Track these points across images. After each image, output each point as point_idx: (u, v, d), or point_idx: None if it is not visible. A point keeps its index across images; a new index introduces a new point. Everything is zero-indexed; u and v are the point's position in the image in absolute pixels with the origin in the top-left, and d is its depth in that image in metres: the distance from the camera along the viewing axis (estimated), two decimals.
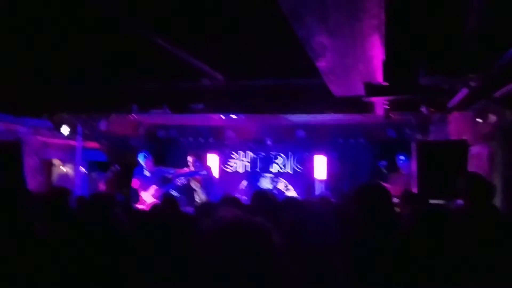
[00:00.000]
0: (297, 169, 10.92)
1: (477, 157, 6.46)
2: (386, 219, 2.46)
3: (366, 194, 2.54)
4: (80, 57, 5.48)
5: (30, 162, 8.30)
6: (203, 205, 4.81)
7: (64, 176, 9.40)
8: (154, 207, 4.55)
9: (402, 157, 8.55)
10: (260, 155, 11.13)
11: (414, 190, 7.83)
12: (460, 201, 5.31)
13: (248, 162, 11.20)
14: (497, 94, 4.98)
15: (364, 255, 2.25)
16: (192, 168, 8.59)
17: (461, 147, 6.30)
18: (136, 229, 2.77)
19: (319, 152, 10.10)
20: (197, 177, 8.62)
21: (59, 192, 4.77)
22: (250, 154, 11.17)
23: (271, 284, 1.65)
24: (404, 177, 8.35)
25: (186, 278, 1.83)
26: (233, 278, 1.58)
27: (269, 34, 4.46)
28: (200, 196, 8.58)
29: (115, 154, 9.87)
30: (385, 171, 8.57)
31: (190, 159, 8.65)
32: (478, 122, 5.78)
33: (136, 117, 8.93)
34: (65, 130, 8.29)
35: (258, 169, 11.11)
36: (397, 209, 4.43)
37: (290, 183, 10.82)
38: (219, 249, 1.65)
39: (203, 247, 1.75)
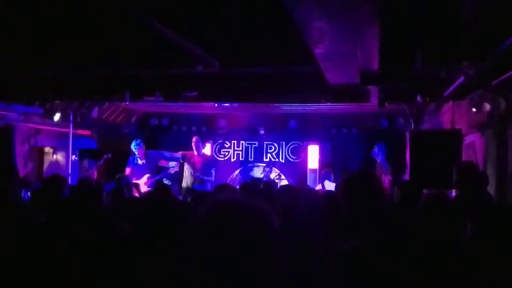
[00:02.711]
0: (290, 159, 10.92)
1: (471, 147, 6.49)
2: (376, 207, 2.44)
3: (356, 182, 2.52)
4: (72, 43, 5.39)
5: (21, 149, 8.22)
6: (197, 192, 4.80)
7: (55, 163, 9.31)
8: (148, 194, 4.53)
9: (377, 147, 8.57)
10: (253, 144, 11.11)
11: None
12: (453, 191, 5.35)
13: (241, 151, 11.18)
14: (492, 83, 4.98)
15: (355, 245, 2.23)
16: (194, 148, 8.51)
17: (455, 136, 6.32)
18: (129, 217, 2.75)
19: (312, 141, 10.10)
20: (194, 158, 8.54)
21: (54, 180, 4.73)
22: (243, 143, 11.14)
23: (268, 267, 1.63)
24: (377, 165, 8.37)
25: (184, 261, 1.80)
26: (232, 259, 1.56)
27: (264, 21, 4.41)
28: (188, 181, 8.50)
29: (106, 142, 9.81)
30: (384, 159, 8.58)
31: (194, 139, 8.59)
32: (472, 111, 5.79)
33: (128, 104, 8.87)
34: (56, 117, 8.21)
35: (251, 159, 11.10)
36: None
37: (282, 173, 10.83)
38: (218, 231, 1.62)
39: (202, 230, 1.71)
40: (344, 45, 3.88)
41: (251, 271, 1.53)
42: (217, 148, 11.11)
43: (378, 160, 8.52)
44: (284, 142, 10.94)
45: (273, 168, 10.75)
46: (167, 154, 8.93)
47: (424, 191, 5.21)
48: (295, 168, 10.69)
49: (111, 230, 2.60)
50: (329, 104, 7.53)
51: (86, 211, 2.60)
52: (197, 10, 4.31)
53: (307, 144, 10.39)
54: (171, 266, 1.97)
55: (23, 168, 8.24)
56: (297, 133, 10.65)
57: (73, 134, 8.90)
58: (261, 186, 5.13)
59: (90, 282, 2.10)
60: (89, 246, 2.32)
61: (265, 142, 11.00)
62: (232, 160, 11.18)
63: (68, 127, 8.72)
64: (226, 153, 11.20)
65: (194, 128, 10.67)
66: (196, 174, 8.37)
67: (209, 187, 8.18)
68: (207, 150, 9.96)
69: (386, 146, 8.58)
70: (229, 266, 1.57)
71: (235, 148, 11.19)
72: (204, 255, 1.64)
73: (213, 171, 8.56)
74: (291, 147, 10.92)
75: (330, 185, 8.61)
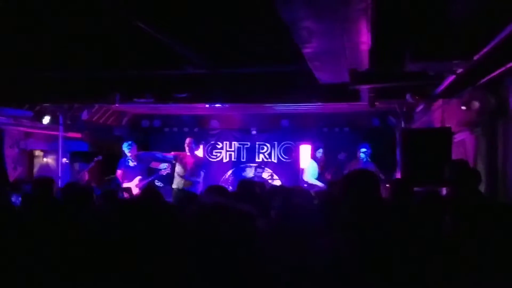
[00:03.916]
0: (282, 159, 10.91)
1: (461, 144, 6.51)
2: (373, 203, 2.45)
3: (355, 179, 2.52)
4: (62, 46, 5.36)
5: (10, 153, 8.15)
6: (186, 193, 4.78)
7: (46, 166, 9.25)
8: (136, 196, 4.51)
9: (363, 149, 8.62)
10: (245, 145, 11.09)
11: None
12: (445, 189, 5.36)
13: (233, 151, 11.17)
14: (481, 81, 5.00)
15: (352, 240, 2.23)
16: (187, 150, 8.46)
17: (445, 134, 6.35)
18: (117, 219, 2.72)
19: (304, 141, 10.10)
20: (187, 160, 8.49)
21: (43, 182, 4.71)
22: (235, 143, 11.13)
23: (253, 268, 1.62)
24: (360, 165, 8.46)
25: (169, 263, 1.79)
26: (216, 261, 1.55)
27: (254, 21, 4.40)
28: (178, 182, 8.43)
29: (98, 144, 9.75)
30: (369, 159, 8.63)
31: (187, 141, 8.53)
32: (462, 109, 5.81)
33: (119, 106, 8.82)
34: (46, 120, 8.16)
35: (243, 159, 11.08)
36: None
37: (275, 173, 10.83)
38: (202, 234, 1.62)
39: (187, 233, 1.71)
40: (333, 45, 3.88)
41: (236, 272, 1.53)
42: (209, 149, 11.09)
43: (363, 161, 8.59)
44: (276, 142, 10.93)
45: (266, 168, 10.74)
46: (159, 155, 8.87)
47: (416, 189, 5.24)
48: (288, 168, 10.68)
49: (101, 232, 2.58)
50: (320, 103, 7.53)
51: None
52: (186, 11, 4.30)
53: (299, 144, 10.39)
54: (156, 269, 1.96)
55: (13, 172, 8.18)
56: (289, 133, 10.66)
57: (64, 137, 8.84)
58: (256, 189, 5.08)
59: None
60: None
61: (257, 143, 10.99)
62: (225, 160, 11.15)
63: (58, 130, 8.66)
64: (218, 154, 11.17)
65: (186, 129, 10.63)
66: (185, 175, 8.32)
67: (197, 188, 8.14)
68: (200, 152, 9.92)
69: (370, 146, 8.65)
70: (213, 269, 1.57)
71: (227, 149, 11.16)
72: (189, 257, 1.63)
73: (202, 173, 8.50)
74: (283, 147, 10.92)
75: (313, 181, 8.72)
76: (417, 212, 2.92)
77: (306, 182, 8.88)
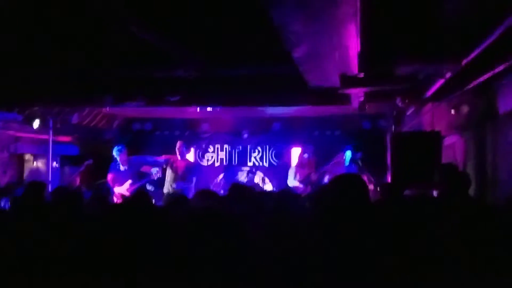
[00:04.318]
0: (274, 162, 10.91)
1: (451, 148, 6.56)
2: (361, 207, 2.45)
3: (342, 183, 2.53)
4: (52, 48, 5.33)
5: (0, 157, 8.10)
6: (175, 197, 4.76)
7: (36, 170, 9.19)
8: (125, 201, 4.49)
9: (348, 152, 8.68)
10: (237, 148, 11.08)
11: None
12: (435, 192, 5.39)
13: (224, 155, 11.15)
14: (470, 84, 5.04)
15: (340, 243, 2.23)
16: (178, 153, 8.42)
17: (435, 138, 6.40)
18: (106, 223, 2.71)
19: (296, 144, 10.12)
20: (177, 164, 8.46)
21: (35, 186, 4.69)
22: (226, 147, 11.12)
23: (244, 271, 1.63)
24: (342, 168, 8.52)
25: (158, 267, 1.78)
26: (206, 265, 1.55)
27: (245, 24, 4.41)
28: (169, 187, 8.41)
29: (88, 148, 9.71)
30: (360, 163, 8.65)
31: (178, 144, 8.48)
32: (451, 113, 5.86)
33: (109, 109, 8.79)
34: (36, 124, 8.11)
35: (235, 162, 11.07)
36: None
37: (267, 176, 10.82)
38: (192, 238, 1.62)
39: (176, 237, 1.71)
40: (323, 48, 3.89)
41: (225, 276, 1.53)
42: (200, 153, 11.07)
43: (345, 165, 8.65)
44: (267, 146, 10.94)
45: (257, 171, 10.74)
46: (150, 159, 8.82)
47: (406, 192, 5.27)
48: (279, 171, 10.68)
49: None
50: (311, 107, 7.55)
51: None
52: (177, 14, 4.30)
53: (291, 147, 10.41)
54: (145, 271, 1.96)
55: (3, 176, 8.13)
56: (280, 136, 10.67)
57: (54, 141, 8.79)
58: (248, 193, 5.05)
59: None
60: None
61: (248, 146, 10.99)
62: (216, 164, 11.13)
63: (48, 133, 8.61)
64: (210, 157, 11.15)
65: (177, 133, 10.60)
66: (176, 183, 8.28)
67: (188, 193, 8.11)
68: (191, 155, 9.89)
69: (360, 149, 8.70)
70: (203, 272, 1.57)
71: (219, 152, 11.15)
72: (179, 260, 1.63)
73: (194, 178, 8.47)
74: (274, 151, 10.92)
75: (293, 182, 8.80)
76: (405, 215, 2.93)
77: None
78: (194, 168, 8.74)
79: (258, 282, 1.73)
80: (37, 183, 4.90)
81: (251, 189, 5.80)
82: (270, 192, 6.52)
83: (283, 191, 4.65)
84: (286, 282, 2.02)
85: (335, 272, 2.14)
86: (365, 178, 8.47)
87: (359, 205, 2.38)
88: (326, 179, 8.62)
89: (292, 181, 8.86)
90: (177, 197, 4.65)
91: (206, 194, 4.03)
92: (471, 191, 4.87)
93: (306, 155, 9.08)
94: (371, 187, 8.10)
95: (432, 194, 5.72)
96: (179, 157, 8.43)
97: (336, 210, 2.36)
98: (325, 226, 2.42)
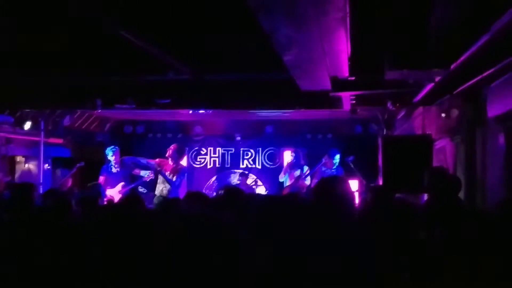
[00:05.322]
0: (267, 165, 10.93)
1: (442, 151, 6.60)
2: (345, 211, 2.47)
3: (325, 186, 2.55)
4: (43, 50, 5.32)
5: None
6: (164, 200, 4.76)
7: (27, 172, 9.15)
8: (116, 203, 4.49)
9: (337, 155, 8.80)
10: (230, 151, 11.09)
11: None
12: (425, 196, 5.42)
13: (217, 157, 11.15)
14: (460, 88, 5.08)
15: (325, 249, 2.25)
16: (169, 154, 8.34)
17: (426, 141, 6.43)
18: (95, 225, 2.71)
19: (288, 147, 10.14)
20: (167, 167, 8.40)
21: (22, 187, 4.67)
22: (219, 149, 11.12)
23: (235, 277, 1.63)
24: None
25: (146, 272, 1.79)
26: (197, 270, 1.56)
27: (236, 28, 4.42)
28: (161, 189, 8.34)
29: (80, 150, 9.67)
30: (352, 166, 8.68)
31: (171, 147, 8.39)
32: (442, 117, 5.89)
33: (101, 112, 8.76)
34: (27, 125, 8.07)
35: (227, 165, 11.08)
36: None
37: (259, 179, 10.84)
38: (183, 243, 1.62)
39: (166, 242, 1.71)
40: (313, 53, 3.91)
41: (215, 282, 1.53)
42: (193, 155, 11.06)
43: (332, 168, 8.75)
44: (260, 148, 10.95)
45: (250, 174, 10.75)
46: (143, 161, 8.74)
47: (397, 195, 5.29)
48: (272, 174, 10.70)
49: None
50: (303, 110, 7.58)
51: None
52: (169, 19, 4.30)
53: (283, 150, 10.44)
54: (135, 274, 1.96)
55: None
56: (273, 139, 10.70)
57: (45, 143, 8.75)
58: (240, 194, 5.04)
59: None
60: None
61: (241, 149, 11.00)
62: (209, 167, 11.13)
63: (39, 135, 8.57)
64: (202, 160, 11.15)
65: (169, 135, 10.60)
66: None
67: (177, 192, 8.01)
68: (184, 161, 9.84)
69: (351, 153, 8.79)
70: (192, 278, 1.58)
71: (212, 155, 11.14)
72: (168, 265, 1.64)
73: (178, 180, 8.29)
74: (267, 153, 10.94)
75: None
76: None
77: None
78: (180, 171, 8.60)
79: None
80: (25, 185, 4.88)
81: (242, 192, 5.81)
82: (257, 195, 6.53)
83: (270, 196, 4.67)
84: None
85: (322, 275, 2.16)
86: (357, 180, 8.53)
87: (340, 208, 2.40)
88: (312, 183, 8.72)
89: (283, 177, 9.15)
90: (168, 201, 4.65)
91: (195, 196, 4.04)
92: (461, 194, 4.90)
93: (293, 155, 9.23)
94: (359, 190, 8.15)
95: (422, 198, 5.75)
96: (170, 161, 8.37)
97: (319, 213, 2.38)
98: (309, 230, 2.44)
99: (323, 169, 8.87)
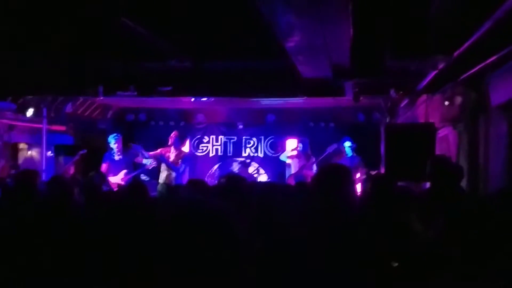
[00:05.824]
0: (269, 153, 10.93)
1: (445, 140, 6.57)
2: (345, 198, 2.47)
3: (326, 174, 2.54)
4: (45, 37, 5.31)
5: None
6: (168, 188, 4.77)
7: (30, 159, 9.18)
8: (117, 191, 4.49)
9: (348, 143, 8.66)
10: (232, 139, 11.08)
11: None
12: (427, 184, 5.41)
13: (219, 146, 11.15)
14: (463, 76, 5.05)
15: (325, 235, 2.25)
16: (171, 142, 8.35)
17: (429, 130, 6.40)
18: (98, 213, 2.72)
19: (291, 135, 10.13)
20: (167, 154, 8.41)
21: (26, 175, 4.67)
22: (221, 138, 11.12)
23: (231, 266, 1.63)
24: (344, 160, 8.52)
25: (144, 262, 1.79)
26: (190, 260, 1.56)
27: (237, 15, 4.39)
28: (165, 177, 8.36)
29: (82, 138, 9.68)
30: (354, 153, 8.65)
31: (172, 134, 8.41)
32: (445, 105, 5.86)
33: (103, 99, 8.75)
34: (30, 112, 8.08)
35: (229, 153, 11.08)
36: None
37: (261, 167, 10.84)
38: (176, 232, 1.62)
39: (161, 231, 1.71)
40: (315, 39, 3.89)
41: (210, 270, 1.53)
42: (195, 143, 11.06)
43: (347, 156, 8.61)
44: (262, 137, 10.94)
45: (252, 162, 10.75)
46: (146, 154, 8.70)
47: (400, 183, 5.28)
48: (274, 162, 10.71)
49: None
50: (305, 98, 7.55)
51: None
52: (170, 6, 4.28)
53: (286, 138, 10.42)
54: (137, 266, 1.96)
55: None
56: (275, 127, 10.68)
57: (48, 130, 8.76)
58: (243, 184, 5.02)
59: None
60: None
61: (243, 137, 10.99)
62: (211, 155, 11.13)
63: (42, 122, 8.58)
64: (205, 148, 11.15)
65: (171, 123, 10.58)
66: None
67: (181, 179, 8.06)
68: (186, 146, 9.84)
69: (355, 141, 8.66)
70: (185, 266, 1.58)
71: (214, 143, 11.14)
72: (165, 252, 1.64)
73: (182, 165, 8.36)
74: (269, 142, 10.93)
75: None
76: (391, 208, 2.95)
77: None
78: (184, 157, 8.63)
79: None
80: (29, 171, 4.88)
81: (244, 180, 5.81)
82: (259, 182, 6.54)
83: (270, 183, 4.66)
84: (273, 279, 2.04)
85: (323, 264, 2.16)
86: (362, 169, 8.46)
87: (342, 196, 2.40)
88: None
89: (284, 156, 9.34)
90: (170, 188, 4.66)
91: (197, 184, 4.05)
92: (463, 183, 4.89)
93: (300, 146, 9.13)
94: (362, 177, 8.09)
95: (424, 186, 5.74)
96: (172, 148, 8.39)
97: (322, 202, 2.38)
98: (313, 218, 2.44)
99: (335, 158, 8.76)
